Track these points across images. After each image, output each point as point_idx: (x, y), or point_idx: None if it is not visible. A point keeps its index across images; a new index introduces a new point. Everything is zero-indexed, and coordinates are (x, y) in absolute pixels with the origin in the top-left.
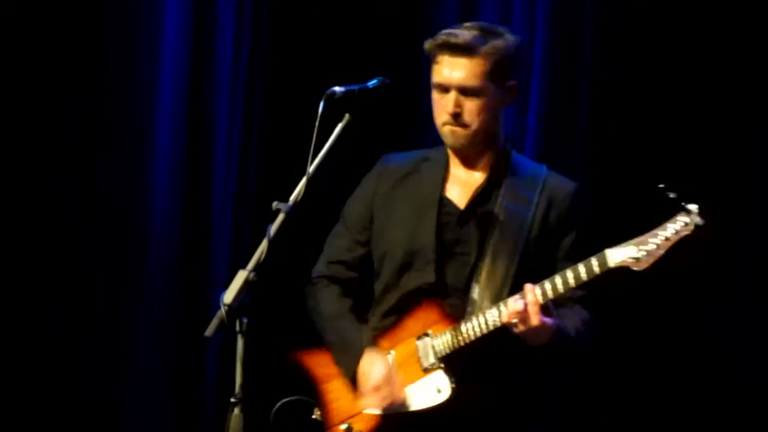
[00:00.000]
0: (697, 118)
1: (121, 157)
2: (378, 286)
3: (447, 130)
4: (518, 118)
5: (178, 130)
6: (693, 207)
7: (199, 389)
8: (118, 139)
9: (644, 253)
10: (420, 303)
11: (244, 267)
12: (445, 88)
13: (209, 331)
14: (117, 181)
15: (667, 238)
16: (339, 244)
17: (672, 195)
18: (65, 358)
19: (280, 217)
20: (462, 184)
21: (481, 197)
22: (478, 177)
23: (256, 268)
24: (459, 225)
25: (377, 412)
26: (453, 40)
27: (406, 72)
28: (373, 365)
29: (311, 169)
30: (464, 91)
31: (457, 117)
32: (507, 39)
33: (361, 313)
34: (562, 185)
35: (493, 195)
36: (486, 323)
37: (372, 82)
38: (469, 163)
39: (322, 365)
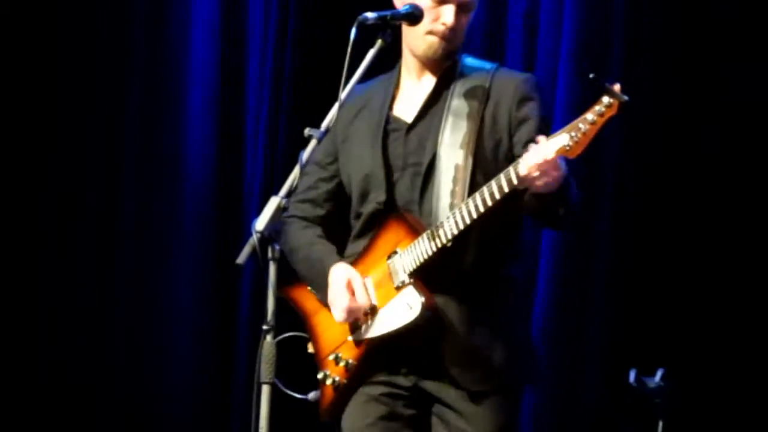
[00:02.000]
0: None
1: (156, 78)
2: (351, 218)
3: (430, 40)
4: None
5: (211, 51)
6: (613, 86)
7: (233, 317)
8: (153, 71)
9: (576, 138)
10: (386, 222)
11: (276, 193)
12: (443, 0)
13: (241, 258)
14: (151, 105)
15: (593, 122)
16: (304, 182)
17: (592, 76)
18: (99, 286)
19: (313, 143)
20: (411, 98)
21: (428, 107)
22: (427, 87)
23: (289, 195)
24: (408, 138)
25: (363, 337)
26: None
27: None
28: (335, 275)
29: (343, 95)
30: (462, 6)
31: (453, 30)
32: None
33: (336, 243)
34: (512, 77)
35: (441, 101)
36: (453, 225)
37: (405, 8)
38: (421, 74)
39: (309, 299)
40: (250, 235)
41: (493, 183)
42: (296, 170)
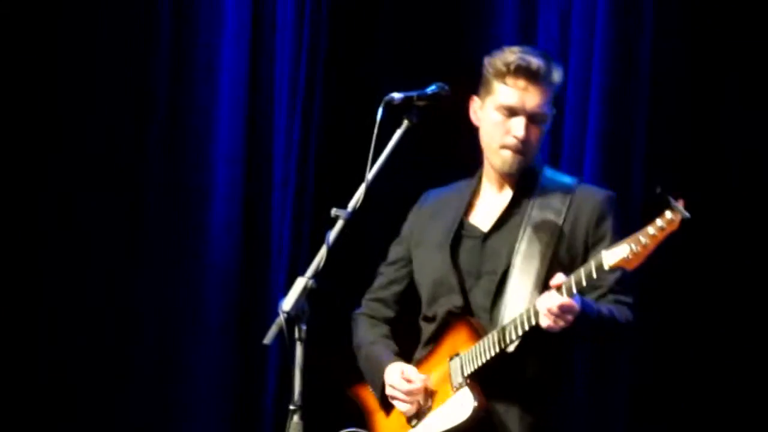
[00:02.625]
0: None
1: (180, 161)
2: (420, 320)
3: (505, 155)
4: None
5: (236, 135)
6: (678, 201)
7: (259, 397)
8: (178, 144)
9: (636, 251)
10: (452, 325)
11: (302, 274)
12: (514, 113)
13: (268, 339)
14: (176, 186)
15: (654, 235)
16: (378, 282)
17: (659, 191)
18: (122, 364)
19: (339, 223)
20: (489, 207)
21: (506, 216)
22: (506, 197)
23: (315, 275)
24: (484, 246)
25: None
26: (532, 65)
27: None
28: (393, 372)
29: (370, 175)
30: (534, 117)
31: (525, 143)
32: (560, 67)
33: (403, 345)
34: (592, 195)
35: (520, 212)
36: (509, 331)
37: (431, 88)
38: (500, 185)
39: (371, 397)
40: (277, 315)
41: (530, 308)
42: (323, 250)
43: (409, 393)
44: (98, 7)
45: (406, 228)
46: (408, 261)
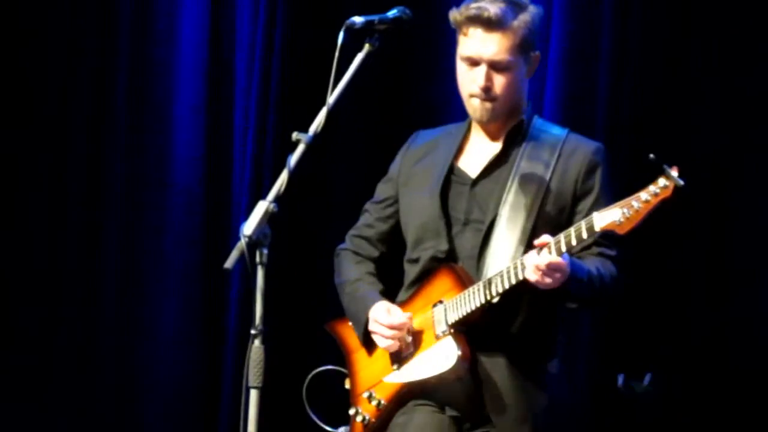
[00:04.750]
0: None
1: (142, 81)
2: (405, 261)
3: (474, 103)
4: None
5: (198, 58)
6: (673, 169)
7: (222, 321)
8: (140, 66)
9: (628, 215)
10: (436, 271)
11: (264, 198)
12: (475, 62)
13: (229, 263)
14: (137, 109)
15: (647, 201)
16: (363, 219)
17: (652, 157)
18: (86, 288)
19: (300, 147)
20: (478, 153)
21: (495, 164)
22: (495, 145)
23: (276, 199)
24: (472, 193)
25: (397, 380)
26: (485, 14)
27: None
28: (378, 308)
29: (331, 99)
30: (495, 65)
31: (487, 91)
32: (531, 10)
33: (386, 282)
34: (581, 146)
35: (509, 161)
36: (496, 283)
37: (392, 12)
38: (489, 132)
39: (352, 335)
40: (239, 239)
41: (518, 261)
42: (284, 174)
43: (393, 327)
44: None
45: (394, 167)
46: (395, 200)
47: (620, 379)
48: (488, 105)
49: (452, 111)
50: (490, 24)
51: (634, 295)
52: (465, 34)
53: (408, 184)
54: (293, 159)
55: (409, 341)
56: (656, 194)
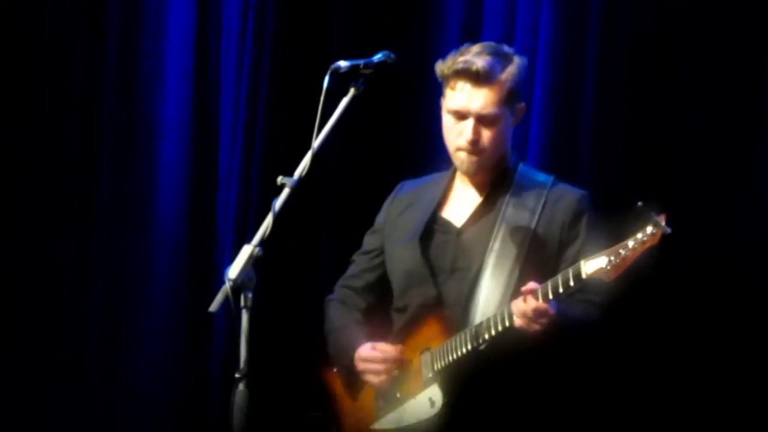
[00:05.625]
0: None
1: (128, 133)
2: (392, 310)
3: (461, 156)
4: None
5: (184, 105)
6: (660, 217)
7: (206, 364)
8: (125, 116)
9: (615, 263)
10: (424, 319)
11: (249, 242)
12: (462, 116)
13: (214, 306)
14: (124, 157)
15: (634, 248)
16: (351, 270)
17: (640, 204)
18: (72, 332)
19: (285, 191)
20: (463, 202)
21: (480, 213)
22: (481, 193)
23: (261, 243)
24: (458, 242)
25: (383, 427)
26: (473, 68)
27: (412, 50)
28: (364, 349)
29: (316, 143)
30: (482, 119)
31: (474, 144)
32: (517, 62)
33: (373, 334)
34: (567, 194)
35: (494, 209)
36: (483, 330)
37: (377, 57)
38: (474, 181)
39: (340, 383)
40: (223, 283)
41: (504, 309)
42: (269, 218)
43: (384, 361)
44: None
45: (380, 218)
46: (381, 251)
47: None
48: (474, 158)
49: (438, 154)
50: (478, 78)
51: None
52: (452, 88)
53: (392, 234)
54: (278, 203)
55: (395, 386)
56: (643, 242)
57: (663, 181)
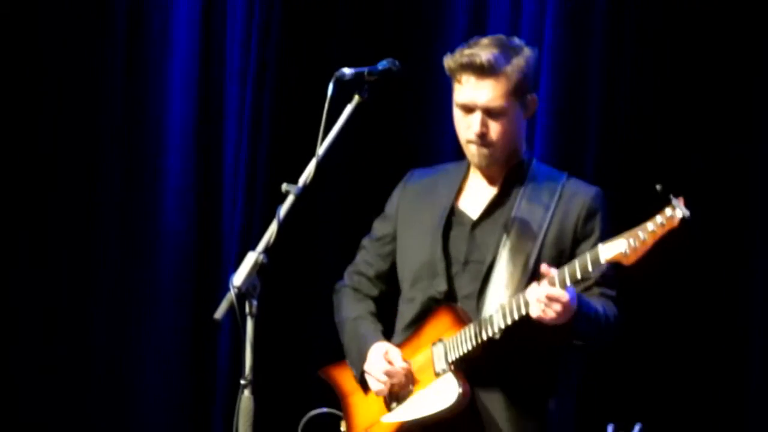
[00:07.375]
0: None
1: (134, 138)
2: (400, 301)
3: (471, 149)
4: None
5: (188, 113)
6: (679, 200)
7: (211, 372)
8: (130, 122)
9: (634, 246)
10: (435, 311)
11: (254, 249)
12: (469, 109)
13: (219, 314)
14: (129, 158)
15: (653, 232)
16: (362, 257)
17: (659, 188)
18: (79, 339)
19: (290, 199)
20: (478, 195)
21: (494, 206)
22: (495, 186)
23: (266, 250)
24: (472, 234)
25: (395, 420)
26: (477, 60)
27: (417, 56)
28: (377, 350)
29: (321, 151)
30: (489, 111)
31: (483, 137)
32: (525, 54)
33: (383, 321)
34: (580, 191)
35: (508, 204)
36: (497, 322)
37: (381, 64)
38: (488, 174)
39: (347, 379)
40: (228, 290)
41: (520, 297)
42: (273, 226)
43: (387, 374)
44: None
45: (391, 205)
46: (392, 238)
47: (610, 429)
48: (485, 151)
49: (444, 159)
50: (482, 70)
51: (624, 344)
52: (459, 81)
53: (407, 223)
54: (283, 210)
55: (406, 383)
56: (662, 224)
57: (669, 174)
